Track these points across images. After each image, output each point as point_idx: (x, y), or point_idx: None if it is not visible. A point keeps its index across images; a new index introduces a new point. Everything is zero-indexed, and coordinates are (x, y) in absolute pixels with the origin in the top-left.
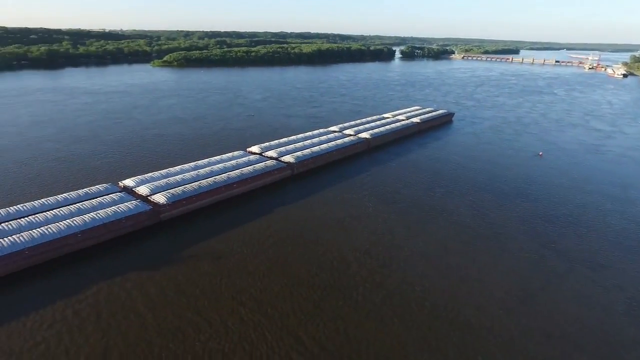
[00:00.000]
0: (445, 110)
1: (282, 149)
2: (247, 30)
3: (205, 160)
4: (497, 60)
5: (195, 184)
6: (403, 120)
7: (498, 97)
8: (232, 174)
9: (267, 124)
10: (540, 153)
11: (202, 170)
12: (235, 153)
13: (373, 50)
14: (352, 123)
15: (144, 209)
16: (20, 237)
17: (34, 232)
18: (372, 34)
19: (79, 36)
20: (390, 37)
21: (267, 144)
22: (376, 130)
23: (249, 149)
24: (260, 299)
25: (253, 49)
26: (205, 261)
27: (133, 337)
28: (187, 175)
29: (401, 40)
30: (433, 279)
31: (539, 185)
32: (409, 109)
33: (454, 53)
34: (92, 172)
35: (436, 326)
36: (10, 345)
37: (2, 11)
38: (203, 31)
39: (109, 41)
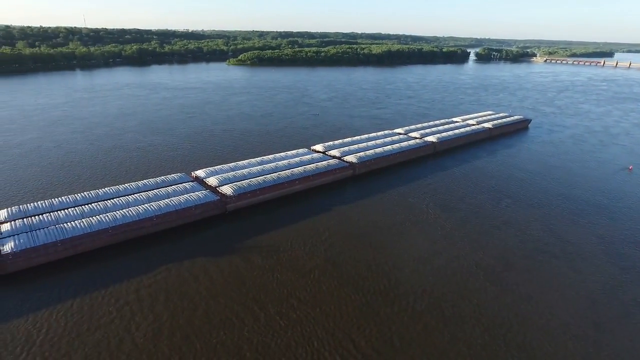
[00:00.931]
0: (520, 117)
1: (345, 148)
2: (319, 31)
3: (271, 156)
4: (586, 64)
5: (260, 178)
6: (473, 125)
7: (583, 104)
8: (296, 170)
9: (331, 124)
10: (630, 167)
11: (267, 166)
12: (300, 150)
13: (445, 52)
14: (419, 126)
15: (212, 199)
16: (106, 217)
17: (117, 214)
18: (445, 35)
19: (165, 36)
20: (465, 39)
21: (331, 143)
22: (443, 134)
23: (312, 147)
24: (312, 297)
25: (323, 49)
26: (263, 254)
27: (184, 322)
28: (253, 169)
29: (477, 42)
30: (491, 294)
31: (625, 203)
32: (480, 114)
33: (535, 56)
34: (167, 162)
35: (491, 346)
36: (91, 314)
37: (103, 14)
38: (277, 31)
39: (191, 41)
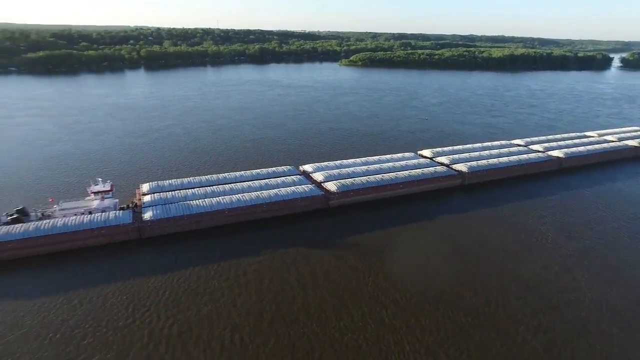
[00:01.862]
0: None
1: (455, 156)
2: (434, 33)
3: (376, 157)
4: None
5: (363, 178)
6: (613, 141)
7: None
8: (400, 174)
9: (440, 129)
10: None
11: (371, 167)
12: (406, 154)
13: (581, 57)
14: (542, 138)
15: (317, 194)
16: (224, 199)
17: (233, 197)
18: (583, 39)
19: (285, 36)
20: (607, 42)
21: (440, 149)
22: (572, 149)
23: (419, 152)
24: (404, 306)
25: (437, 51)
26: (361, 253)
27: (284, 307)
28: (357, 169)
29: (624, 46)
30: (619, 340)
31: None
32: (622, 129)
33: None
34: (278, 155)
35: None
36: (205, 284)
37: (233, 16)
38: (390, 33)
39: (307, 41)
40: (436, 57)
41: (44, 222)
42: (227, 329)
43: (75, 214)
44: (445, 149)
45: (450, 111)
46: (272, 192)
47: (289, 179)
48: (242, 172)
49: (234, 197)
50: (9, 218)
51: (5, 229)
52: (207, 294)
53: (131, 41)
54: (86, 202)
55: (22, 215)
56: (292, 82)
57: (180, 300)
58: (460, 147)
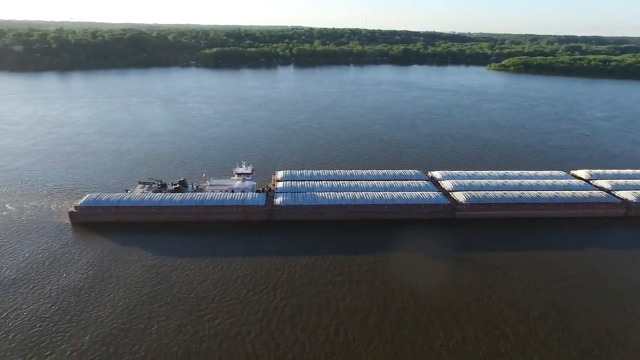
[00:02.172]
0: None
1: (620, 181)
2: (614, 36)
3: (516, 172)
4: None
5: (498, 193)
6: None
7: None
8: (544, 193)
9: (603, 149)
10: None
11: (509, 181)
12: (555, 172)
13: None
14: None
15: (443, 202)
16: (348, 195)
17: (357, 194)
18: None
19: (431, 38)
20: None
21: (600, 171)
22: None
23: (573, 172)
24: (524, 338)
25: (614, 57)
26: (480, 272)
27: (392, 312)
28: (493, 182)
29: None
30: None
31: None
32: None
33: None
34: (406, 157)
35: None
36: (313, 273)
37: (381, 16)
38: (554, 35)
39: (455, 43)
40: (613, 63)
41: (197, 194)
42: (334, 320)
43: (221, 191)
44: (607, 171)
45: (621, 128)
46: (396, 194)
47: (415, 183)
48: (369, 170)
49: (358, 194)
50: (173, 187)
51: (168, 196)
52: (320, 284)
53: (286, 40)
54: (231, 181)
55: (182, 186)
56: (432, 84)
57: (295, 284)
58: (629, 171)
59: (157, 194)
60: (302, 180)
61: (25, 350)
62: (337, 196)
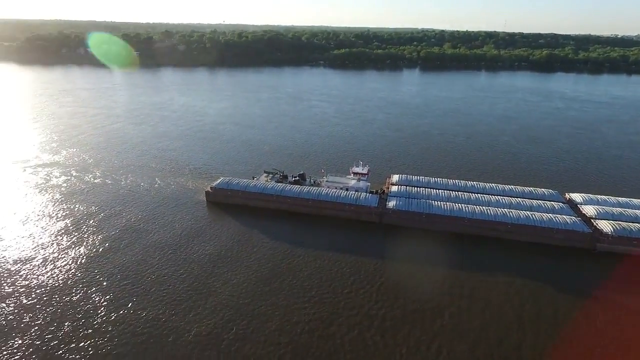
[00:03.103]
0: None
1: None
2: None
3: None
4: None
5: None
6: None
7: None
8: None
9: None
10: None
11: None
12: None
13: None
14: None
15: (582, 230)
16: (466, 207)
17: (476, 208)
18: None
19: (584, 41)
20: None
21: None
22: None
23: None
24: None
25: None
26: (621, 320)
27: (494, 344)
28: None
29: None
30: None
31: None
32: None
33: None
34: (538, 174)
35: None
36: (420, 285)
37: (524, 18)
38: None
39: (615, 48)
40: None
41: (314, 188)
42: (429, 335)
43: (336, 188)
44: None
45: None
46: (523, 213)
47: (548, 204)
48: (492, 184)
49: (477, 208)
50: (293, 179)
51: (288, 187)
52: (424, 297)
53: (414, 42)
54: (346, 179)
55: (301, 179)
56: (579, 95)
57: (399, 292)
58: None
59: (278, 184)
60: (417, 187)
61: (160, 303)
62: (454, 207)
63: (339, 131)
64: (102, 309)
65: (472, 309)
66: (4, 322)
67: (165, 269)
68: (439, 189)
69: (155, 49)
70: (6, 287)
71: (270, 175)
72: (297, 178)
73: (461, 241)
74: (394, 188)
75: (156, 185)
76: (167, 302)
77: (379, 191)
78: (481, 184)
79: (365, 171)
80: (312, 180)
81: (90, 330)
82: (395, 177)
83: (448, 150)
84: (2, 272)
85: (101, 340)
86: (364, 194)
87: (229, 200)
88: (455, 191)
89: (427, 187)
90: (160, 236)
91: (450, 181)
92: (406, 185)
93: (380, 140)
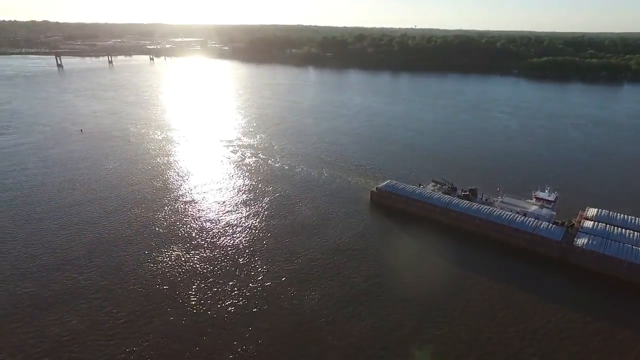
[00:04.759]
0: None
1: None
2: None
3: None
4: None
5: None
6: None
7: None
8: None
9: None
10: None
11: None
12: None
13: None
14: None
15: None
16: None
17: None
18: None
19: None
20: None
21: None
22: None
23: None
24: None
25: None
26: None
27: None
28: None
29: None
30: None
31: None
32: None
33: None
34: None
35: None
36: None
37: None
38: None
39: None
40: None
41: (485, 207)
42: None
43: (512, 211)
44: None
45: None
46: None
47: None
48: None
49: None
50: (462, 193)
51: (456, 200)
52: None
53: None
54: (525, 203)
55: (472, 195)
56: None
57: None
58: None
59: (446, 196)
60: (620, 227)
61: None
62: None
63: (520, 148)
64: (260, 275)
65: None
66: (190, 267)
67: (309, 250)
68: None
69: (347, 51)
70: (197, 240)
71: (439, 185)
72: (468, 193)
73: None
74: (588, 224)
75: (324, 177)
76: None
77: (567, 224)
78: None
79: (552, 198)
80: (484, 198)
81: (250, 286)
82: (592, 211)
83: None
84: (196, 227)
85: (242, 299)
86: (545, 223)
87: (391, 203)
88: None
89: (636, 230)
90: (317, 219)
91: None
92: (605, 224)
93: (574, 164)
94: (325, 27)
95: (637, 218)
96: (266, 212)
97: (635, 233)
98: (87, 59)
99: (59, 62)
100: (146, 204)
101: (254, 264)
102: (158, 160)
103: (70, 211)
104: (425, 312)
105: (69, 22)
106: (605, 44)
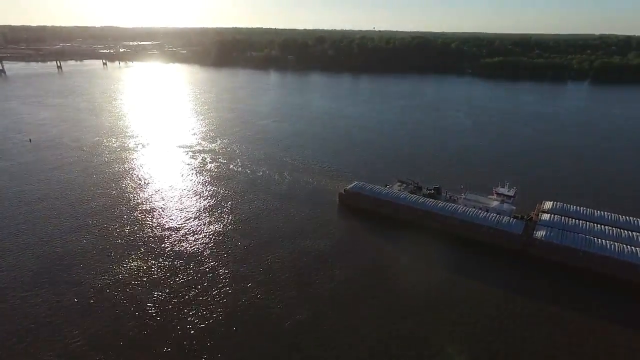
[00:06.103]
0: None
1: None
2: None
3: None
4: None
5: None
6: None
7: None
8: None
9: None
10: None
11: None
12: None
13: None
14: None
15: None
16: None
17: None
18: None
19: None
20: None
21: None
22: None
23: None
24: None
25: None
26: None
27: None
28: None
29: None
30: None
31: None
32: None
33: None
34: None
35: None
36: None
37: None
38: None
39: None
40: None
41: (449, 204)
42: None
43: (474, 207)
44: None
45: None
46: None
47: None
48: None
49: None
50: (427, 191)
51: (422, 199)
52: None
53: (588, 50)
54: (486, 199)
55: (437, 193)
56: None
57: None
58: None
59: (412, 195)
60: (575, 219)
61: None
62: (626, 250)
63: (477, 145)
64: (223, 279)
65: None
66: (154, 277)
67: (288, 253)
68: (606, 225)
69: (308, 53)
70: (156, 249)
71: (404, 184)
72: (432, 191)
73: (628, 291)
74: (545, 216)
75: (287, 180)
76: (274, 288)
77: (525, 217)
78: None
79: (511, 193)
80: (447, 195)
81: (213, 294)
82: (548, 204)
83: (619, 179)
84: (156, 236)
85: (211, 305)
86: (507, 217)
87: (359, 204)
88: (627, 230)
89: (590, 222)
90: (287, 227)
91: (622, 217)
92: (562, 215)
93: (528, 159)
94: (286, 29)
95: (588, 209)
96: (230, 217)
97: (588, 223)
98: (33, 63)
99: (0, 68)
100: (102, 215)
101: (217, 270)
102: (114, 168)
103: (19, 228)
104: (387, 310)
105: (12, 24)
106: (550, 44)
